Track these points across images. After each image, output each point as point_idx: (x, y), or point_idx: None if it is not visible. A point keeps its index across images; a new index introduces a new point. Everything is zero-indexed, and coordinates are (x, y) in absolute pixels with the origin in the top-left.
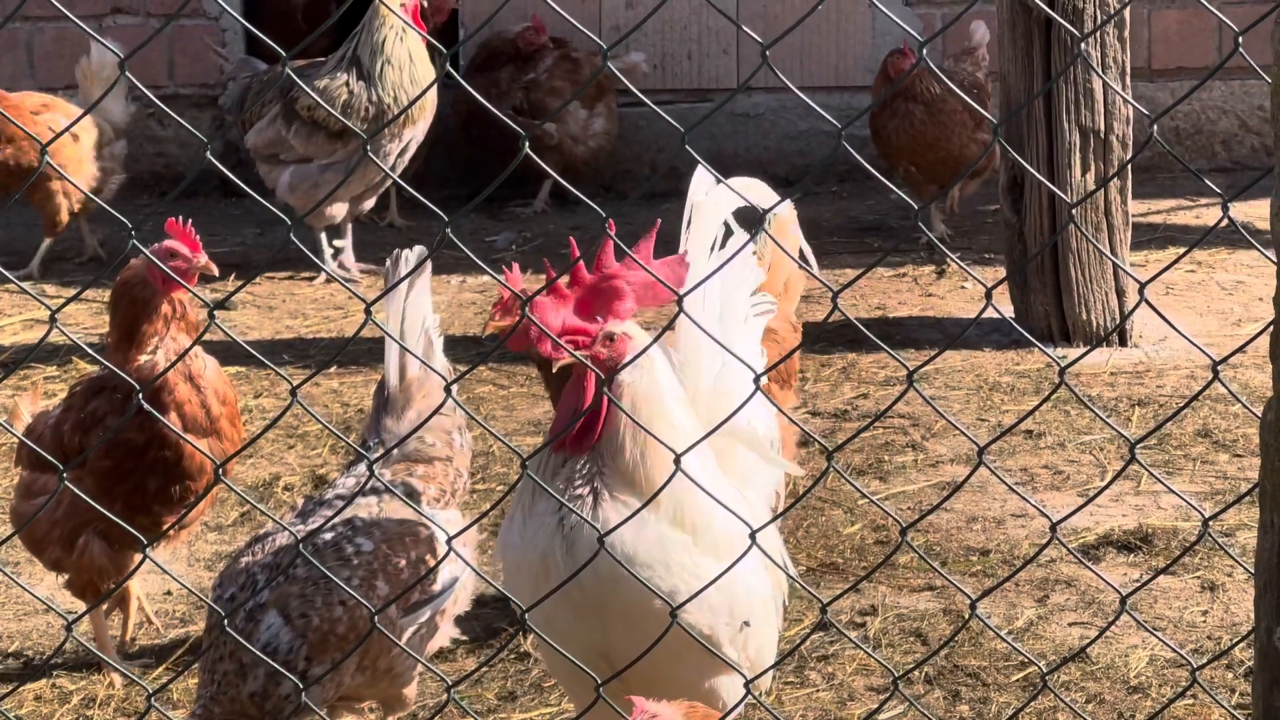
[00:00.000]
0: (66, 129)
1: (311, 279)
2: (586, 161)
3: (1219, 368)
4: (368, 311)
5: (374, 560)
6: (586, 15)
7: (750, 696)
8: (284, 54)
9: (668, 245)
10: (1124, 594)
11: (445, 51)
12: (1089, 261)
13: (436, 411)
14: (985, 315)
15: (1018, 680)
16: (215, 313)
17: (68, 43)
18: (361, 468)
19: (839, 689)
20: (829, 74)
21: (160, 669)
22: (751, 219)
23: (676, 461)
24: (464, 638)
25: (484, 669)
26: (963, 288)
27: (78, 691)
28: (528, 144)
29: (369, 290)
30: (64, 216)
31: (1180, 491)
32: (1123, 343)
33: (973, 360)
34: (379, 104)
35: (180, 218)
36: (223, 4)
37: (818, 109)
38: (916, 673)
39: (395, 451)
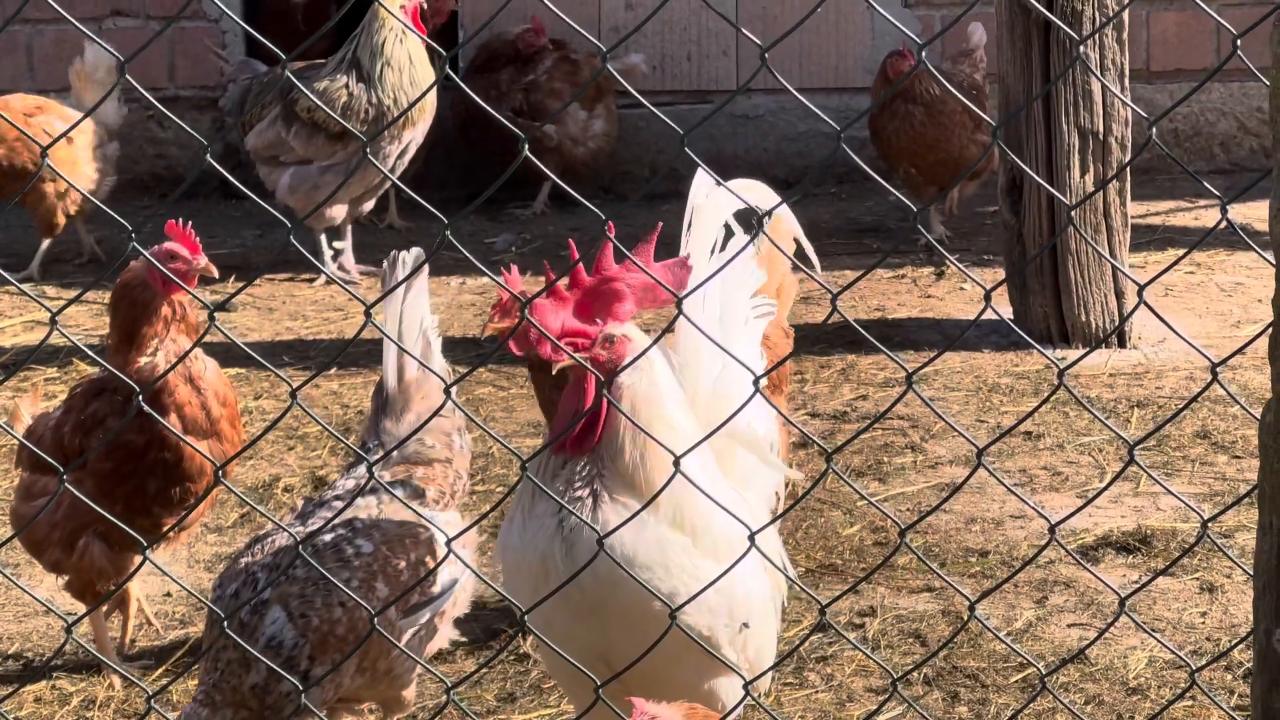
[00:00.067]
0: (66, 131)
1: (311, 281)
2: (586, 163)
3: (1218, 369)
4: (367, 314)
5: (373, 562)
6: (586, 17)
7: (749, 698)
8: (284, 56)
9: (668, 247)
10: (1123, 595)
11: (445, 53)
12: (1088, 263)
13: (436, 413)
14: (984, 317)
15: (1017, 681)
16: (215, 315)
17: (67, 45)
18: (361, 469)
19: (838, 690)
20: (828, 75)
21: (160, 671)
22: (751, 221)
23: (676, 463)
24: (463, 639)
25: (483, 670)
26: (962, 289)
27: (77, 693)
28: (527, 146)
29: (368, 292)
30: (59, 218)
31: (1179, 493)
32: (1121, 344)
33: (972, 362)
34: (379, 106)
35: (180, 220)
36: (222, 6)
37: (817, 111)
38: (915, 674)
39: (395, 453)
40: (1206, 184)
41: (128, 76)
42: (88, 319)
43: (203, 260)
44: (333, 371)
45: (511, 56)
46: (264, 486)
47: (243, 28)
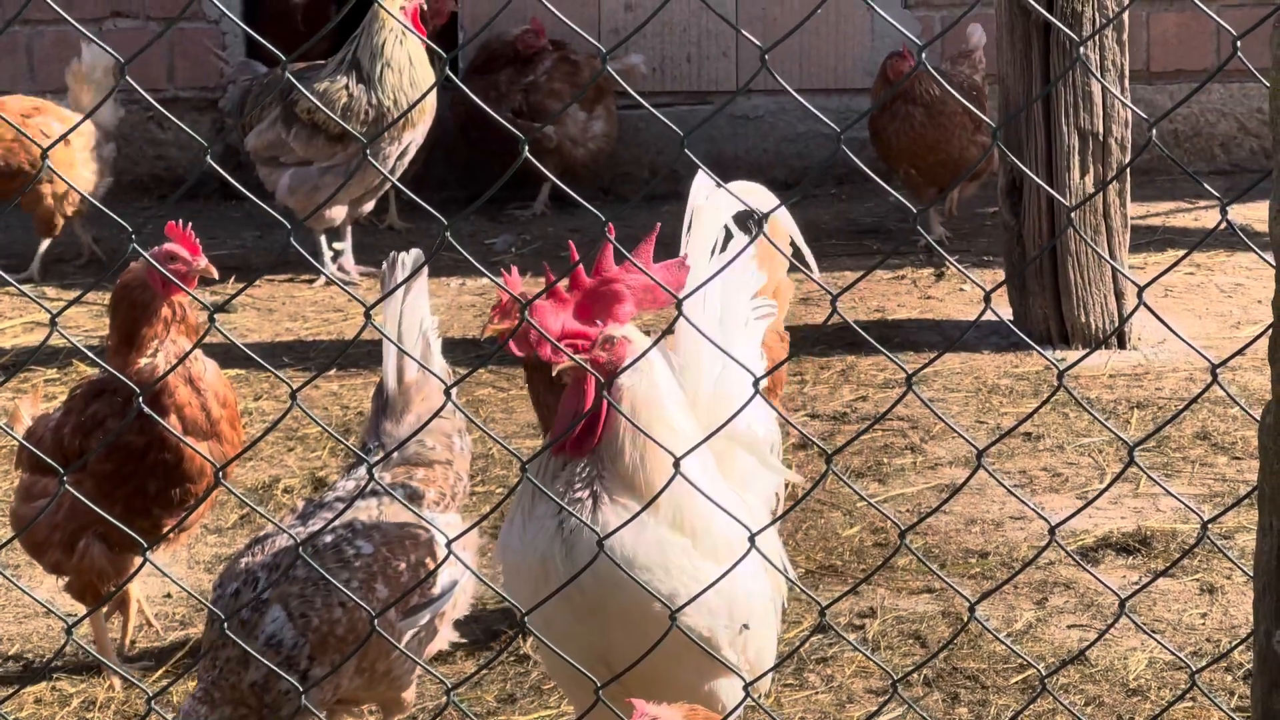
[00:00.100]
0: (67, 133)
1: (311, 282)
2: (586, 164)
3: (1218, 371)
4: (367, 315)
5: (374, 563)
6: (585, 18)
7: (749, 699)
8: (284, 58)
9: (667, 248)
10: (1123, 597)
11: (445, 55)
12: (1088, 264)
13: (436, 415)
14: (984, 318)
15: (1017, 683)
16: (215, 316)
17: (67, 46)
18: (361, 471)
19: (838, 691)
20: (828, 76)
21: (160, 672)
22: (747, 223)
23: (676, 465)
24: (463, 640)
25: (483, 671)
26: (961, 290)
27: (78, 694)
28: (527, 148)
29: (368, 293)
30: (57, 219)
31: (1179, 494)
32: (1121, 345)
33: (972, 363)
34: (378, 107)
35: (180, 221)
36: (222, 7)
37: (816, 112)
38: (915, 675)
39: (395, 455)
40: (1206, 185)
41: (128, 78)
42: (88, 320)
43: (203, 261)
44: (333, 373)
45: (511, 57)
46: (264, 488)
47: (242, 29)
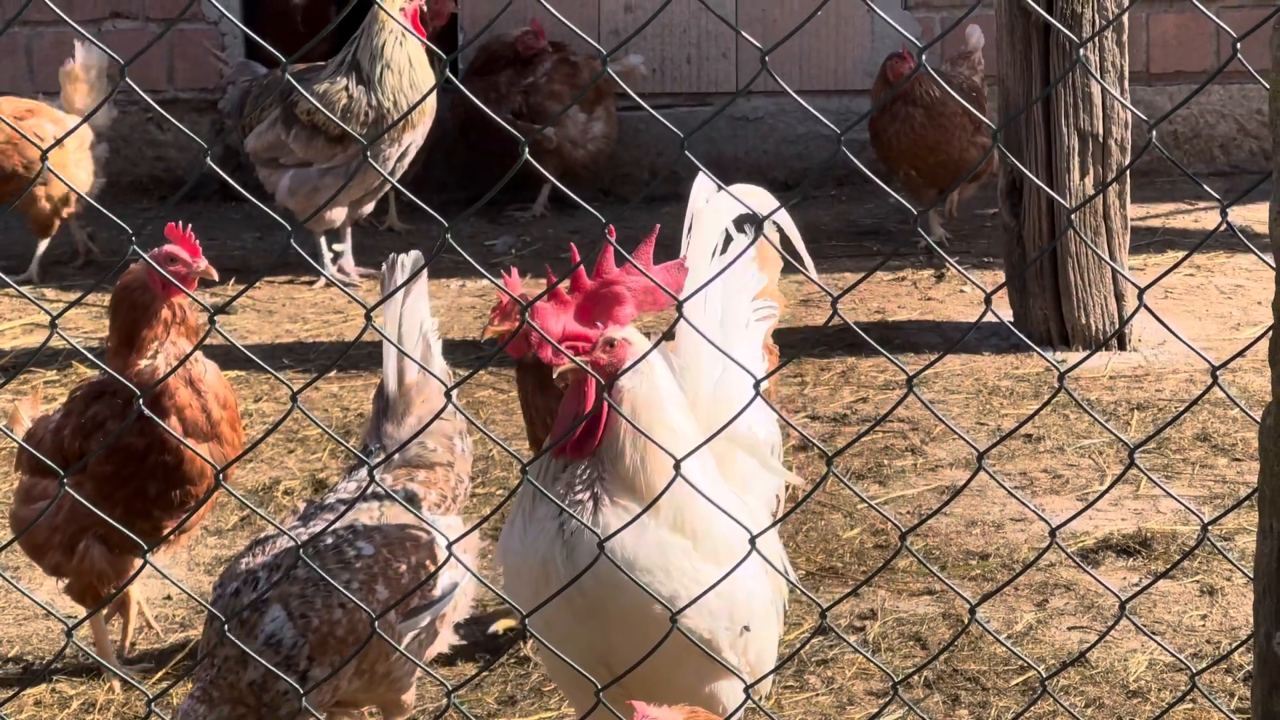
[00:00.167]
0: (67, 135)
1: (311, 283)
2: (586, 165)
3: (1218, 372)
4: (368, 317)
5: (374, 564)
6: (585, 19)
7: (750, 701)
8: (284, 59)
9: (667, 249)
10: (1123, 598)
11: (444, 56)
12: (1088, 266)
13: (437, 417)
14: (984, 319)
15: (1017, 685)
16: (215, 317)
17: (66, 47)
18: (362, 473)
19: (838, 693)
20: (828, 78)
21: (160, 674)
22: (753, 226)
23: (676, 467)
24: (463, 642)
25: (484, 674)
26: (962, 292)
27: (77, 696)
28: (527, 149)
29: (368, 294)
30: (54, 220)
31: (1179, 496)
32: (1121, 347)
33: (972, 364)
34: (378, 108)
35: (180, 222)
36: (222, 8)
37: (816, 113)
38: (916, 677)
39: (396, 456)
40: (1206, 186)
41: (127, 79)
42: (87, 322)
43: (202, 263)
44: (333, 374)
45: (511, 59)
46: (264, 489)
47: (242, 30)
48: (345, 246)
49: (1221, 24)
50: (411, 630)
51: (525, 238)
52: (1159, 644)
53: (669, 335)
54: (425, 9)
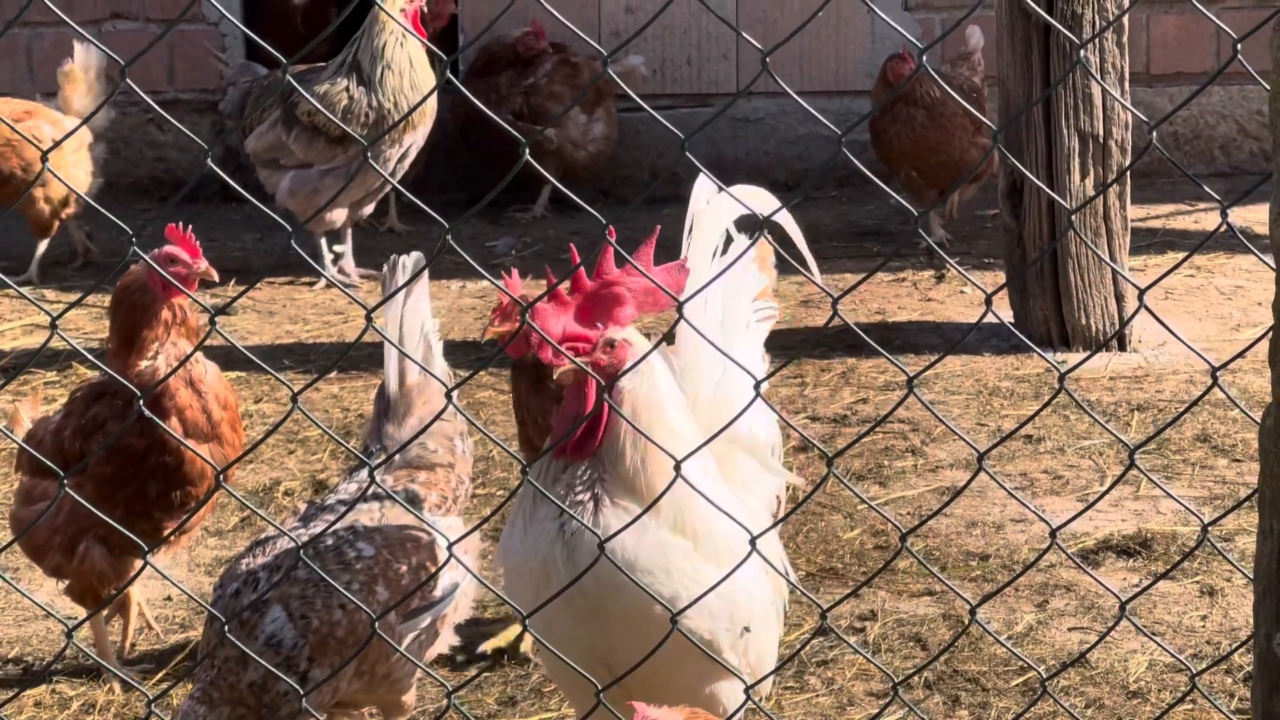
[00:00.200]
0: (65, 137)
1: (311, 284)
2: (586, 166)
3: (1218, 373)
4: (369, 318)
5: (375, 565)
6: (586, 20)
7: (750, 702)
8: (284, 60)
9: (668, 250)
10: (1123, 599)
11: (445, 57)
12: (1088, 266)
13: (438, 418)
14: (985, 320)
15: (1017, 685)
16: (215, 318)
17: (66, 48)
18: (363, 474)
19: (839, 694)
20: (828, 79)
21: (160, 675)
22: (753, 227)
23: (677, 468)
24: (463, 643)
25: (484, 674)
26: (962, 292)
27: (78, 697)
28: (528, 150)
29: (369, 295)
30: (53, 221)
31: (1179, 496)
32: (1122, 348)
33: (972, 365)
34: (379, 109)
35: (180, 223)
36: (222, 9)
37: (817, 114)
38: (916, 678)
39: (397, 457)
40: (1206, 187)
41: (128, 80)
42: (87, 322)
43: (203, 264)
44: (333, 375)
45: (511, 60)
46: (265, 490)
47: (242, 31)
48: (346, 248)
49: (1222, 25)
50: (412, 631)
51: (526, 239)
52: (1159, 645)
53: (669, 336)
54: (426, 10)
